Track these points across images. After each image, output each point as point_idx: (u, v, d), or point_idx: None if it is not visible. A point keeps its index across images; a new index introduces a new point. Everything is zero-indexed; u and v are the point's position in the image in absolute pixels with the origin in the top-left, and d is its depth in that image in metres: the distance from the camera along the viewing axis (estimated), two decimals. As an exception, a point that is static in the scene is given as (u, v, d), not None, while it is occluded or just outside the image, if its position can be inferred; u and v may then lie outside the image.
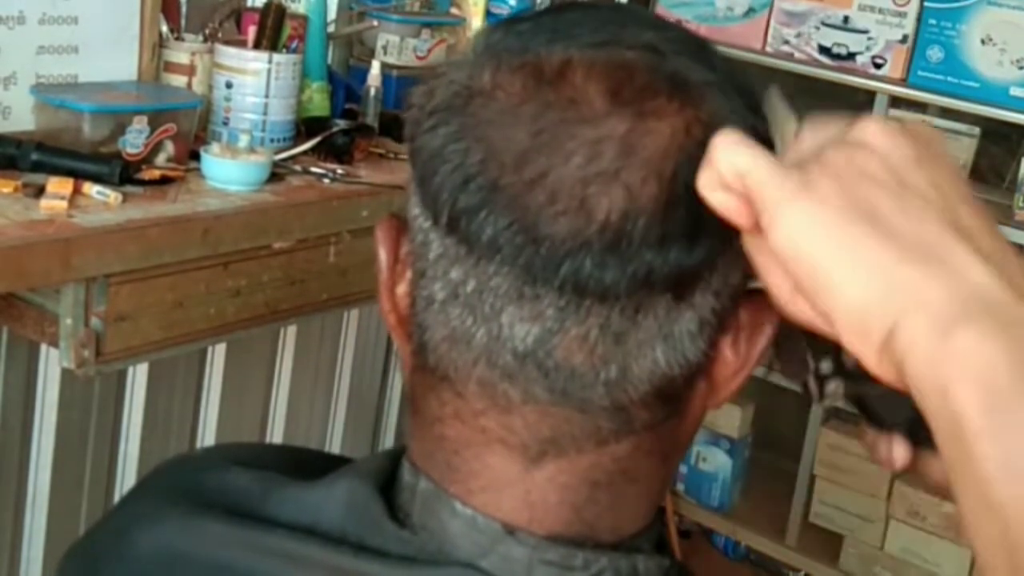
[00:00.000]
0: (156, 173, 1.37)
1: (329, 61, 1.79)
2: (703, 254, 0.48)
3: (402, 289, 0.55)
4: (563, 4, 0.54)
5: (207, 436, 1.99)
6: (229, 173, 1.41)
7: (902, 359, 0.41)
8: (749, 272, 0.51)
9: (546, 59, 0.49)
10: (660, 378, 0.50)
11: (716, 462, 2.48)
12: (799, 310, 0.45)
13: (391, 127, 1.69)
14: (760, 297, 0.53)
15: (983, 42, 2.11)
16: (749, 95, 0.52)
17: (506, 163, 0.48)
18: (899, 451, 0.60)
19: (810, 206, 0.43)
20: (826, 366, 0.58)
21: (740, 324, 0.52)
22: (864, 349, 0.43)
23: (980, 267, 0.42)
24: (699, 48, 0.52)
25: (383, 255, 0.55)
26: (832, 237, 0.43)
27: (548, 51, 0.49)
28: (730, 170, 0.45)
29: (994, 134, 2.33)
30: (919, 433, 0.59)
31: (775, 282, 0.46)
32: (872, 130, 0.45)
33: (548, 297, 0.48)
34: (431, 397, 0.53)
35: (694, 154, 0.48)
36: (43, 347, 1.61)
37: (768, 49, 2.30)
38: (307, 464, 0.60)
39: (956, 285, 0.41)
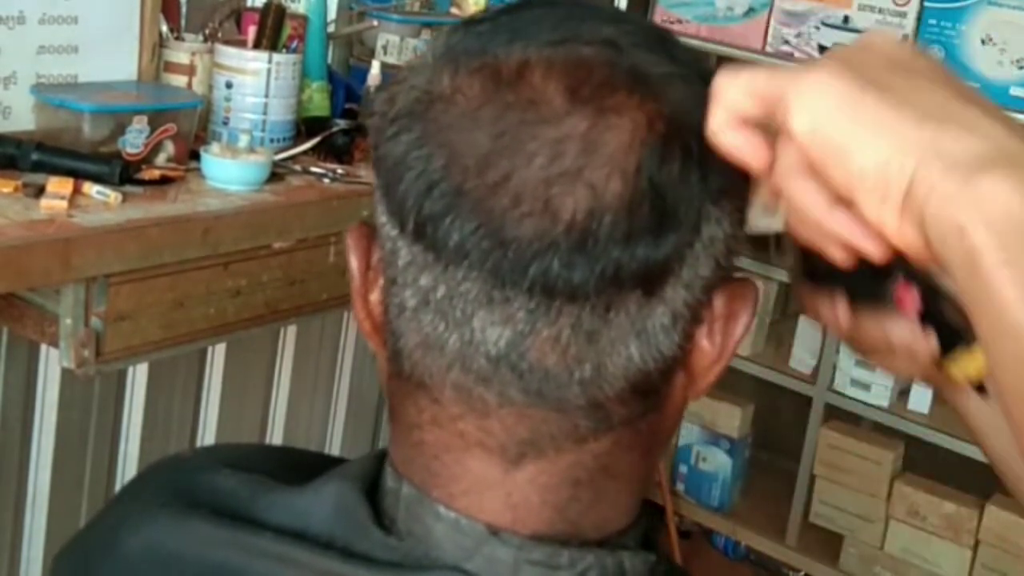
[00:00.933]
0: (156, 173, 1.37)
1: (329, 61, 1.79)
2: (670, 248, 0.48)
3: (375, 296, 0.54)
4: (522, 2, 0.53)
5: (207, 436, 1.99)
6: (229, 173, 1.41)
7: (921, 209, 0.42)
8: (720, 263, 0.51)
9: (504, 60, 0.49)
10: (635, 374, 0.50)
11: (716, 462, 2.48)
12: (836, 223, 0.46)
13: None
14: (734, 285, 0.53)
15: (983, 42, 2.11)
16: None
17: (469, 167, 0.47)
18: (843, 311, 0.62)
19: (822, 81, 0.44)
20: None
21: (715, 314, 0.52)
22: (885, 213, 0.43)
23: (995, 124, 0.43)
24: (659, 40, 0.52)
25: (354, 262, 0.55)
26: (847, 106, 0.43)
27: (506, 52, 0.49)
28: (739, 95, 0.46)
29: (994, 134, 2.33)
30: (858, 293, 0.61)
31: (809, 198, 0.46)
32: (874, 37, 0.46)
33: (518, 300, 0.48)
34: (408, 403, 0.53)
35: (657, 148, 0.48)
36: (43, 347, 1.61)
37: (768, 49, 2.30)
38: (299, 465, 0.60)
39: (971, 137, 0.42)
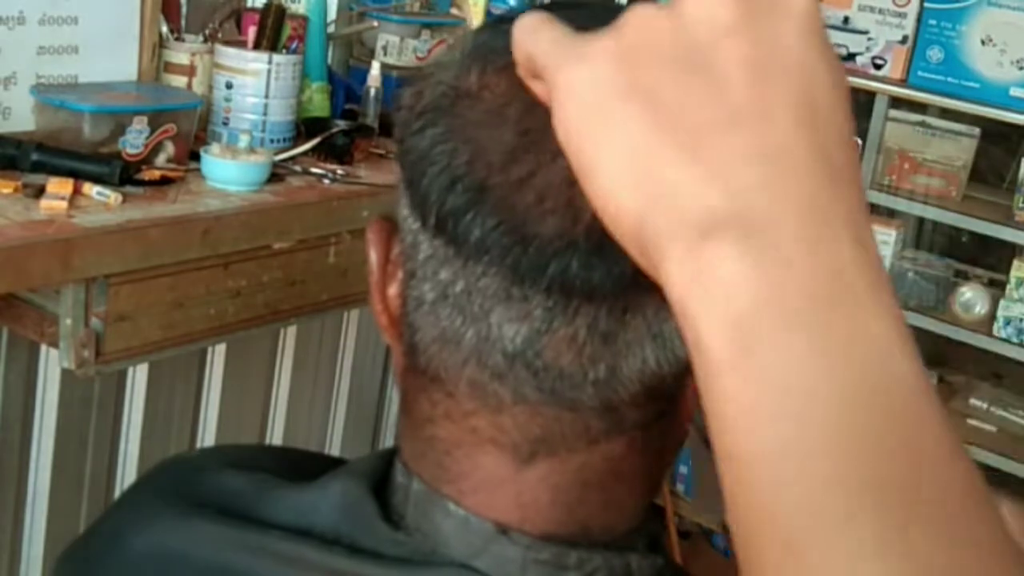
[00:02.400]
0: (156, 173, 1.37)
1: (329, 61, 1.79)
2: None
3: (393, 290, 0.55)
4: (551, 3, 0.53)
5: (207, 436, 1.99)
6: (229, 173, 1.41)
7: (655, 264, 0.37)
8: None
9: None
10: (650, 377, 0.50)
11: (716, 462, 2.48)
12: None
13: (391, 127, 1.70)
14: None
15: (983, 43, 2.11)
16: None
17: (493, 164, 0.48)
18: None
19: (579, 72, 0.39)
20: None
21: None
22: (622, 241, 0.38)
23: (749, 166, 0.35)
24: None
25: (374, 256, 0.55)
26: (595, 112, 0.38)
27: None
28: (519, 52, 0.42)
29: (994, 134, 2.33)
30: None
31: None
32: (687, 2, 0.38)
33: (536, 297, 0.48)
34: (422, 398, 0.53)
35: None
36: (43, 347, 1.61)
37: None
38: (302, 465, 0.60)
39: (712, 186, 0.35)
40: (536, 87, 0.43)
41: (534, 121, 0.48)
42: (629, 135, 0.37)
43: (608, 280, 0.47)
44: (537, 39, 0.41)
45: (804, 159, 0.36)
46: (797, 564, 0.33)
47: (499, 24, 0.52)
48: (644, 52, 0.38)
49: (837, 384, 0.34)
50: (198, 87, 1.54)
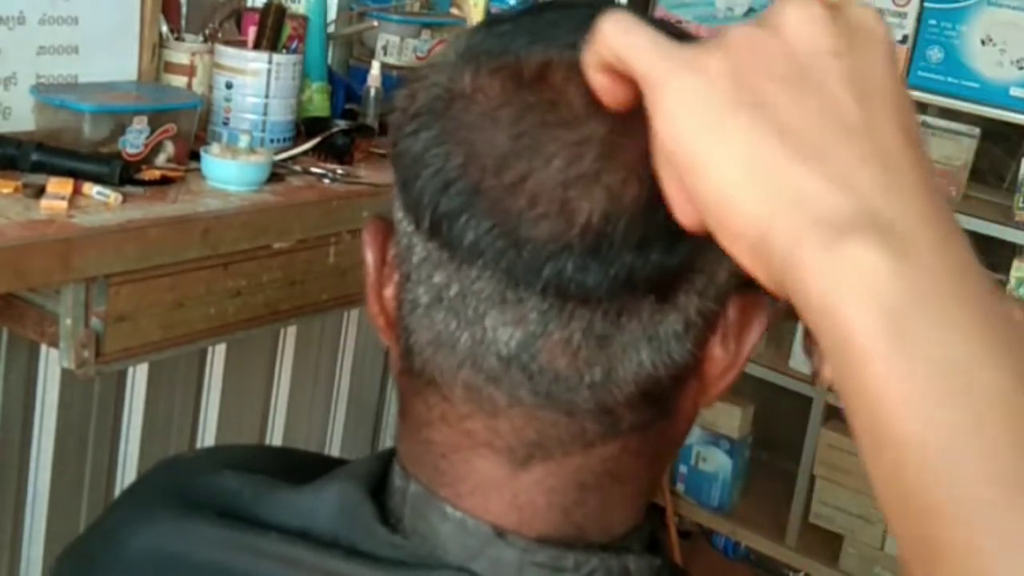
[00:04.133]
0: (156, 173, 1.37)
1: (329, 61, 1.79)
2: (684, 255, 0.48)
3: (389, 292, 0.54)
4: (544, 4, 0.53)
5: (207, 436, 1.99)
6: (229, 173, 1.41)
7: (779, 266, 0.38)
8: (737, 270, 0.51)
9: (525, 61, 0.49)
10: (646, 380, 0.50)
11: (716, 462, 2.48)
12: (690, 220, 0.42)
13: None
14: (748, 294, 0.53)
15: (983, 42, 2.11)
16: None
17: (487, 167, 0.47)
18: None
19: (693, 83, 0.40)
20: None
21: (728, 322, 0.52)
22: (735, 248, 0.40)
23: (871, 173, 0.38)
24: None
25: (370, 257, 0.55)
26: (710, 117, 0.39)
27: (528, 53, 0.49)
28: (605, 48, 0.43)
29: (994, 134, 2.33)
30: None
31: (670, 190, 0.42)
32: (791, 15, 0.41)
33: (531, 300, 0.48)
34: (418, 400, 0.53)
35: None
36: (43, 347, 1.61)
37: (768, 49, 2.29)
38: (301, 466, 0.60)
39: (840, 190, 0.37)
40: (598, 80, 0.44)
41: (527, 124, 0.48)
42: (749, 143, 0.39)
43: (603, 283, 0.47)
44: (632, 42, 0.42)
45: (913, 169, 0.39)
46: (968, 543, 0.34)
47: (492, 26, 0.52)
48: (755, 68, 0.40)
49: (996, 365, 0.35)
50: (198, 87, 1.54)
